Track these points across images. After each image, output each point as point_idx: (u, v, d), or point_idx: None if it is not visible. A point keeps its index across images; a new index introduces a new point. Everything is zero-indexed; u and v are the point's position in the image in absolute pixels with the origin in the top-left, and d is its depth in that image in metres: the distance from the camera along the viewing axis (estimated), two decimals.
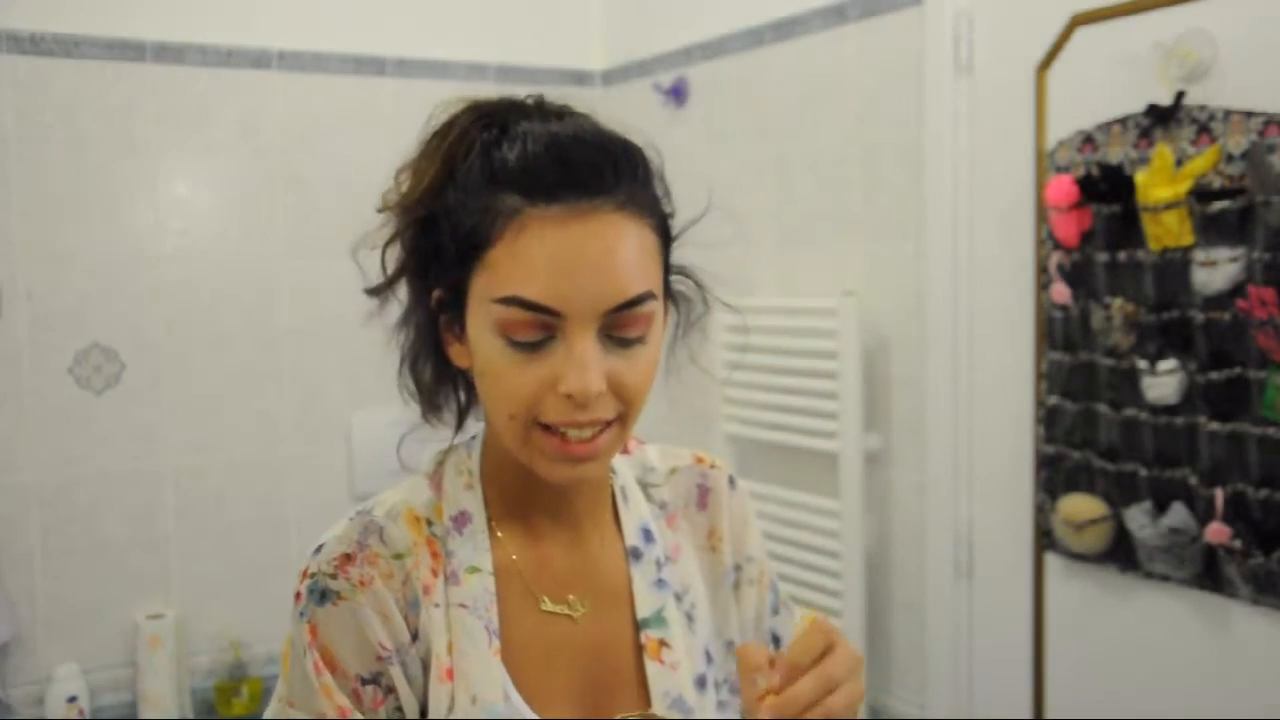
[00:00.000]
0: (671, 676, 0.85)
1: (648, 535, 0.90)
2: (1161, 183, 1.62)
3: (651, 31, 2.77)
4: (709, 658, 0.90)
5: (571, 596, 0.85)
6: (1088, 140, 1.77)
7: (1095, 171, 1.73)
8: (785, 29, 2.36)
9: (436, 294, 0.81)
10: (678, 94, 2.65)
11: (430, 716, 0.79)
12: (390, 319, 0.86)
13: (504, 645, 0.81)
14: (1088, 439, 1.80)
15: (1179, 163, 1.62)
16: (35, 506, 2.32)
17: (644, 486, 0.93)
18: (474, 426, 0.90)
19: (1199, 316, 1.61)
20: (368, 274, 0.85)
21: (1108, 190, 1.70)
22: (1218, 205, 1.57)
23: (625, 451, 0.94)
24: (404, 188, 0.82)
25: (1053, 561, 1.92)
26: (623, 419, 0.78)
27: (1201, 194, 1.59)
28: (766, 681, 0.74)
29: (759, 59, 2.44)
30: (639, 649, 0.86)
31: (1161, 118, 1.65)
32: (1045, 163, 1.85)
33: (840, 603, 2.15)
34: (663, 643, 0.86)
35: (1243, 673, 1.65)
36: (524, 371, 0.75)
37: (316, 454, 2.61)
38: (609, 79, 2.93)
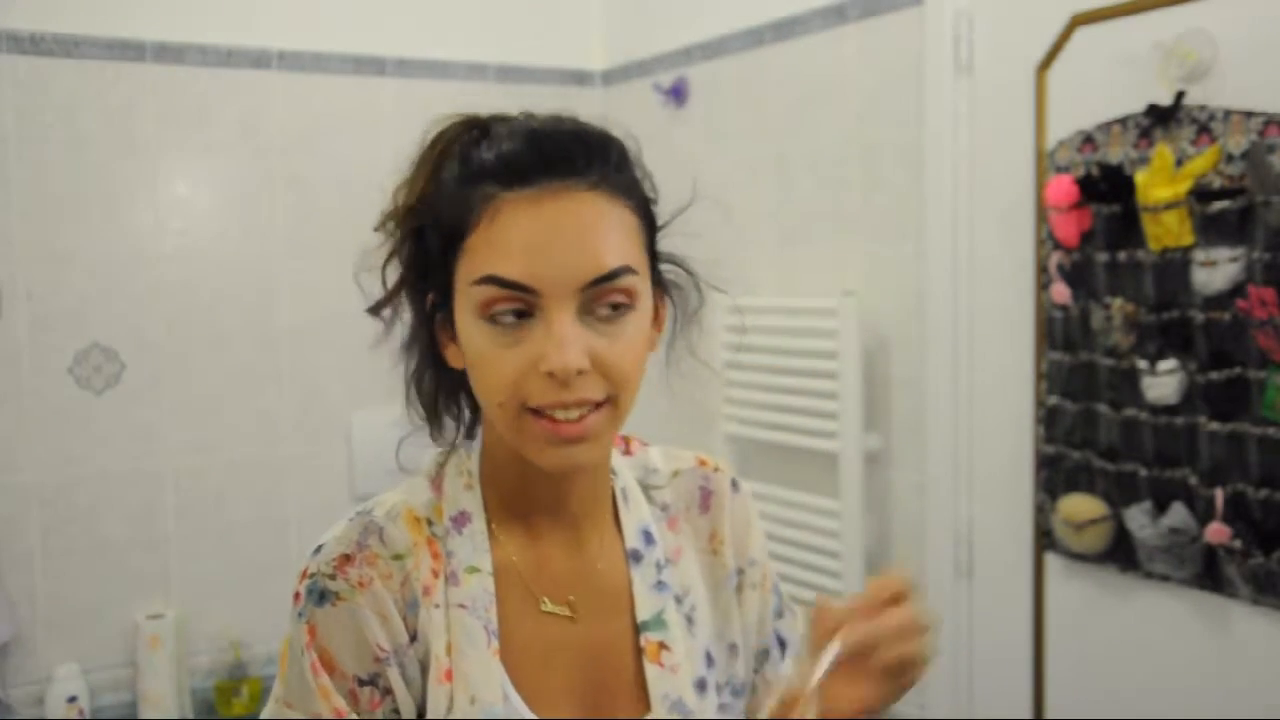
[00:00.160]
0: (671, 679, 0.85)
1: (648, 537, 0.89)
2: (1161, 183, 1.62)
3: (651, 31, 2.77)
4: (710, 660, 0.89)
5: (571, 597, 0.85)
6: (1088, 140, 1.77)
7: (1095, 171, 1.73)
8: (785, 29, 2.36)
9: (430, 297, 0.82)
10: (678, 94, 2.65)
11: (429, 717, 0.79)
12: (395, 339, 0.87)
13: (503, 646, 0.81)
14: (1088, 439, 1.80)
15: (1179, 163, 1.62)
16: (35, 506, 2.32)
17: (646, 488, 0.93)
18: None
19: (1199, 316, 1.61)
20: (368, 295, 0.85)
21: (1108, 190, 1.70)
22: (1218, 205, 1.57)
23: (628, 453, 0.94)
24: (398, 203, 0.83)
25: (1053, 561, 1.92)
26: (612, 401, 0.78)
27: (1201, 194, 1.59)
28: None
29: (759, 59, 2.44)
30: (638, 651, 0.86)
31: (1161, 118, 1.65)
32: (1045, 163, 1.85)
33: (840, 603, 2.14)
34: (662, 645, 0.86)
35: (1243, 673, 1.65)
36: (507, 355, 0.76)
37: (316, 454, 2.61)
38: (609, 79, 2.93)
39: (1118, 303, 1.71)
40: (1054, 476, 1.86)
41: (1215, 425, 1.61)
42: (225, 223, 2.52)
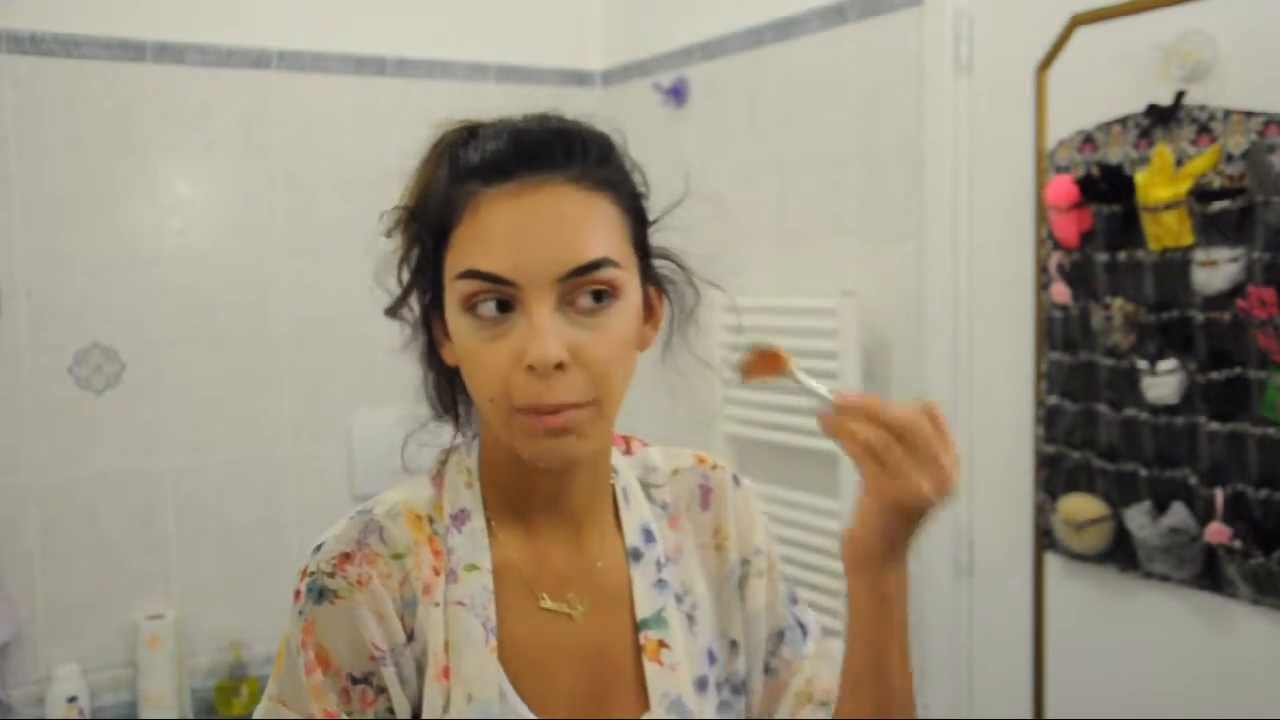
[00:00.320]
0: (670, 677, 0.85)
1: (648, 535, 0.89)
2: (1161, 183, 1.62)
3: (651, 31, 2.77)
4: (711, 658, 0.89)
5: (570, 595, 0.85)
6: (1088, 140, 1.77)
7: (1095, 171, 1.73)
8: (785, 29, 2.36)
9: (426, 295, 0.83)
10: (678, 94, 2.65)
11: (426, 715, 0.79)
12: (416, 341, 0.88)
13: (502, 643, 0.81)
14: (1088, 439, 1.80)
15: (1179, 163, 1.62)
16: (35, 506, 2.32)
17: (646, 487, 0.93)
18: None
19: (1199, 316, 1.61)
20: (390, 297, 0.87)
21: (1108, 190, 1.70)
22: (1218, 205, 1.57)
23: (628, 453, 0.94)
24: (401, 208, 0.85)
25: (1053, 561, 1.92)
26: (597, 403, 0.77)
27: (1201, 194, 1.59)
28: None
29: (759, 59, 2.44)
30: (638, 649, 0.86)
31: (1161, 118, 1.65)
32: (1045, 163, 1.85)
33: (840, 603, 2.15)
34: (662, 643, 0.86)
35: (1243, 673, 1.65)
36: (492, 349, 0.76)
37: (316, 454, 2.61)
38: (609, 79, 2.93)
39: (1118, 303, 1.71)
40: (1054, 476, 1.86)
41: (1215, 425, 1.61)
42: (225, 223, 2.51)
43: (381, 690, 0.78)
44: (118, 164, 2.39)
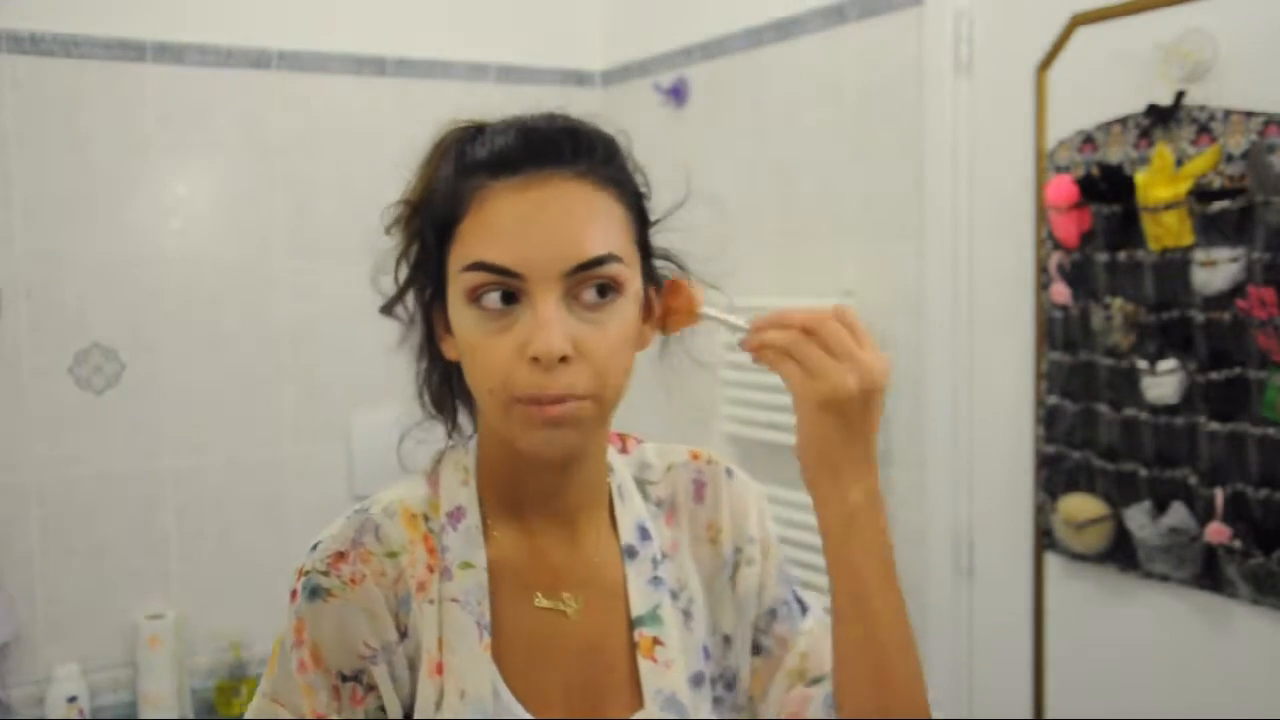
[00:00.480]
0: (665, 675, 0.85)
1: (644, 533, 0.89)
2: (1161, 183, 1.62)
3: (651, 31, 2.77)
4: (706, 654, 0.90)
5: (565, 593, 0.86)
6: (1088, 140, 1.77)
7: (1095, 171, 1.73)
8: (785, 29, 2.36)
9: (427, 289, 0.84)
10: (678, 94, 2.65)
11: (419, 711, 0.79)
12: (412, 339, 0.88)
13: (496, 641, 0.82)
14: (1088, 439, 1.80)
15: (1179, 163, 1.62)
16: (35, 506, 2.32)
17: (641, 484, 0.93)
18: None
19: (1199, 316, 1.61)
20: (385, 296, 0.87)
21: (1108, 190, 1.70)
22: (1218, 205, 1.57)
23: (624, 451, 0.94)
24: (403, 205, 0.85)
25: (1053, 561, 1.92)
26: (597, 398, 0.78)
27: (1201, 194, 1.59)
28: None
29: (759, 59, 2.44)
30: (632, 647, 0.86)
31: (1161, 118, 1.65)
32: (1045, 163, 1.85)
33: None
34: (656, 641, 0.86)
35: (1243, 673, 1.65)
36: (495, 342, 0.76)
37: (316, 454, 2.61)
38: (609, 79, 2.93)
39: (1118, 303, 1.71)
40: (1054, 476, 1.86)
41: (1215, 425, 1.61)
42: (225, 223, 2.51)
43: (371, 688, 0.79)
44: (118, 164, 2.39)
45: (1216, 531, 1.60)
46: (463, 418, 0.90)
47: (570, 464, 0.84)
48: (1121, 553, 1.77)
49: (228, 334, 2.51)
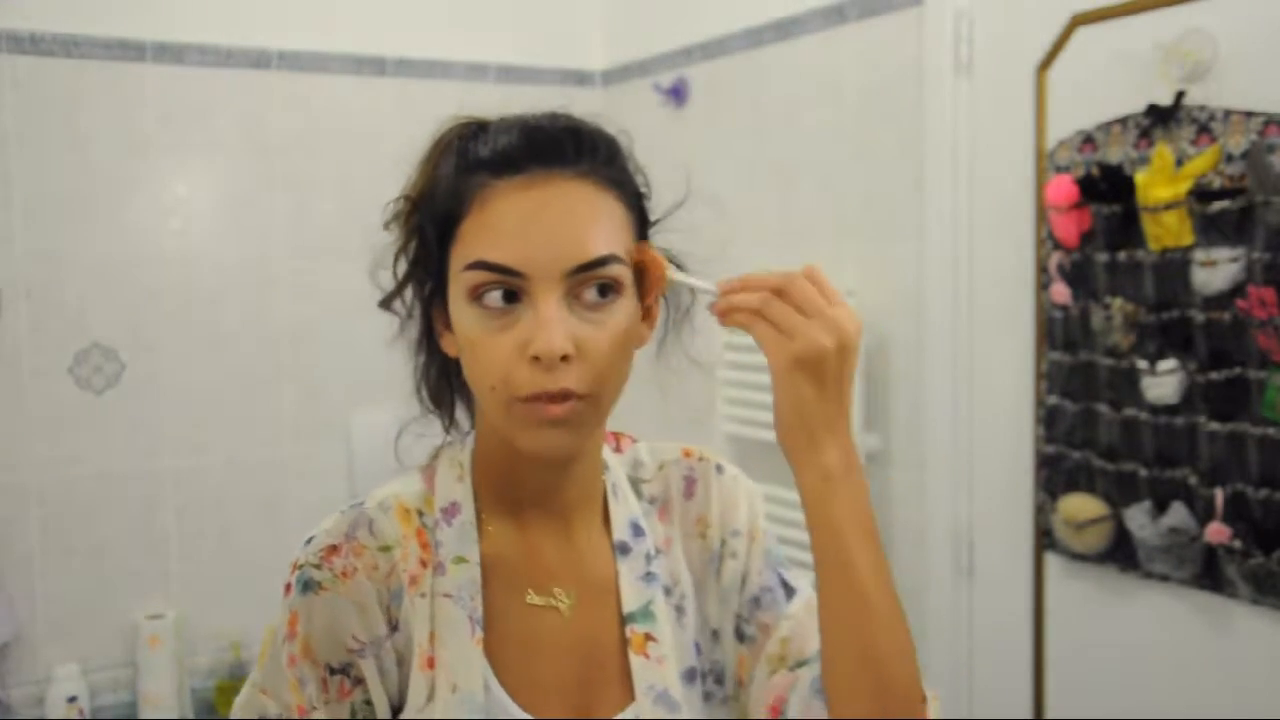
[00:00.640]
0: (657, 670, 0.85)
1: (637, 530, 0.90)
2: (1161, 183, 1.62)
3: (651, 31, 2.77)
4: (698, 649, 0.90)
5: (557, 589, 0.86)
6: (1088, 140, 1.77)
7: (1095, 171, 1.73)
8: (785, 29, 2.36)
9: (428, 285, 0.84)
10: (678, 94, 2.65)
11: (410, 704, 0.79)
12: (408, 335, 0.88)
13: (489, 636, 0.82)
14: (1088, 439, 1.80)
15: (1179, 163, 1.62)
16: (35, 506, 2.32)
17: (634, 483, 0.93)
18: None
19: (1199, 316, 1.61)
20: (383, 292, 0.87)
21: (1108, 190, 1.70)
22: (1218, 205, 1.57)
23: (618, 450, 0.95)
24: (403, 201, 0.85)
25: (1053, 561, 1.92)
26: (596, 397, 0.78)
27: (1201, 194, 1.59)
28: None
29: (759, 59, 2.44)
30: (624, 643, 0.86)
31: (1161, 118, 1.65)
32: (1045, 163, 1.85)
33: None
34: (648, 636, 0.86)
35: (1243, 673, 1.65)
36: (497, 340, 0.77)
37: (316, 454, 2.61)
38: (609, 79, 2.93)
39: (1118, 303, 1.71)
40: (1054, 476, 1.86)
41: (1215, 425, 1.61)
42: (225, 223, 2.52)
43: (359, 682, 0.79)
44: (118, 164, 2.39)
45: (1216, 531, 1.60)
46: (460, 413, 0.90)
47: (567, 462, 0.85)
48: (1121, 553, 1.77)
49: (228, 334, 2.51)
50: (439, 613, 0.81)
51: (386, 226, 0.85)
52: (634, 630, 0.86)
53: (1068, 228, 1.77)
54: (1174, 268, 1.63)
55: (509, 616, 0.84)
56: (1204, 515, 1.62)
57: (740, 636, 0.91)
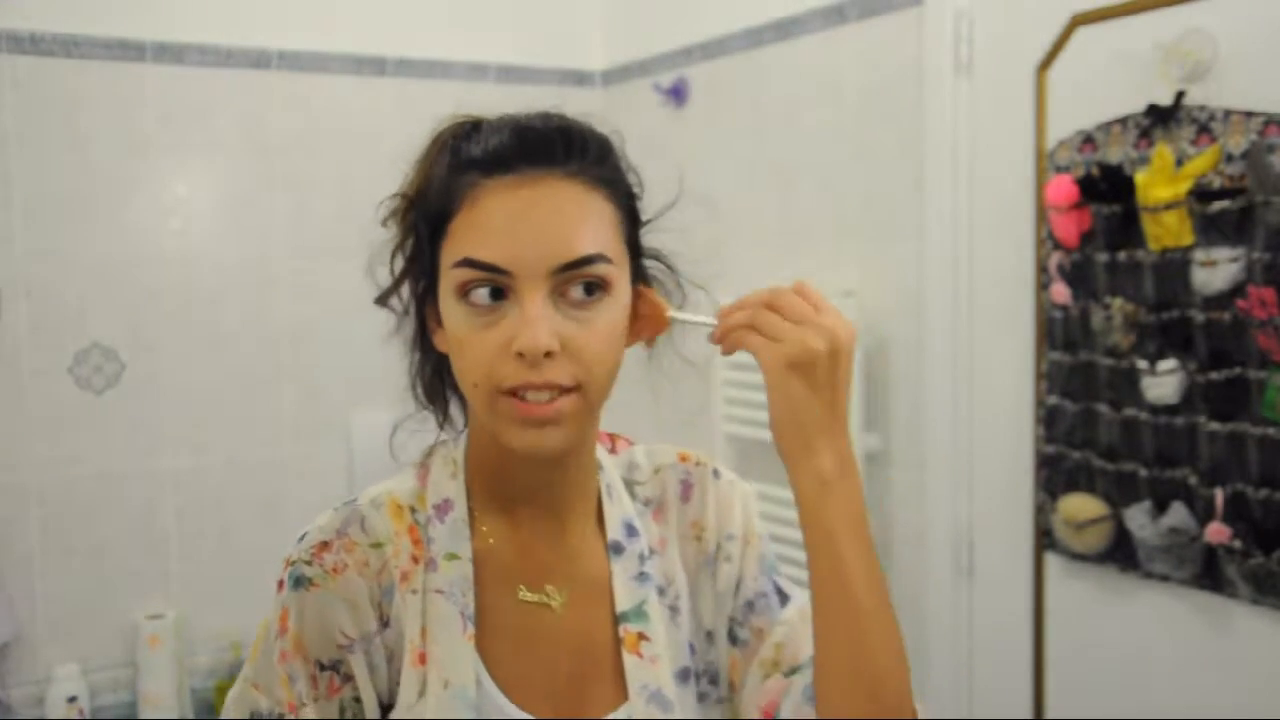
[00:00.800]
0: (650, 670, 0.85)
1: (631, 530, 0.90)
2: (1161, 183, 1.62)
3: (651, 31, 2.77)
4: (692, 650, 0.90)
5: (550, 586, 0.86)
6: (1088, 140, 1.77)
7: (1095, 171, 1.73)
8: (785, 29, 2.36)
9: (421, 283, 0.85)
10: (678, 94, 2.65)
11: (401, 700, 0.80)
12: (404, 332, 0.89)
13: (481, 633, 0.82)
14: (1088, 439, 1.80)
15: (1179, 163, 1.62)
16: (35, 506, 2.32)
17: (629, 484, 0.94)
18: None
19: (1199, 316, 1.61)
20: (381, 289, 0.88)
21: (1108, 190, 1.70)
22: (1218, 205, 1.57)
23: (613, 451, 0.95)
24: (399, 199, 0.86)
25: (1053, 561, 1.92)
26: (581, 388, 0.78)
27: (1201, 194, 1.59)
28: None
29: (759, 59, 2.44)
30: (618, 642, 0.86)
31: (1161, 118, 1.65)
32: (1045, 163, 1.85)
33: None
34: (642, 636, 0.86)
35: (1243, 673, 1.65)
36: (483, 336, 0.77)
37: (316, 454, 2.61)
38: (609, 79, 2.93)
39: (1118, 303, 1.71)
40: (1054, 476, 1.86)
41: (1215, 425, 1.61)
42: (225, 223, 2.52)
43: (348, 678, 0.80)
44: (118, 164, 2.39)
45: (1216, 531, 1.60)
46: (455, 411, 0.91)
47: (558, 459, 0.85)
48: (1121, 553, 1.77)
49: (228, 334, 2.51)
50: (431, 609, 0.81)
51: (384, 224, 0.86)
52: (627, 629, 0.86)
53: (1068, 228, 1.77)
54: (1174, 268, 1.63)
55: (501, 612, 0.84)
56: (1204, 515, 1.62)
57: (733, 639, 0.92)
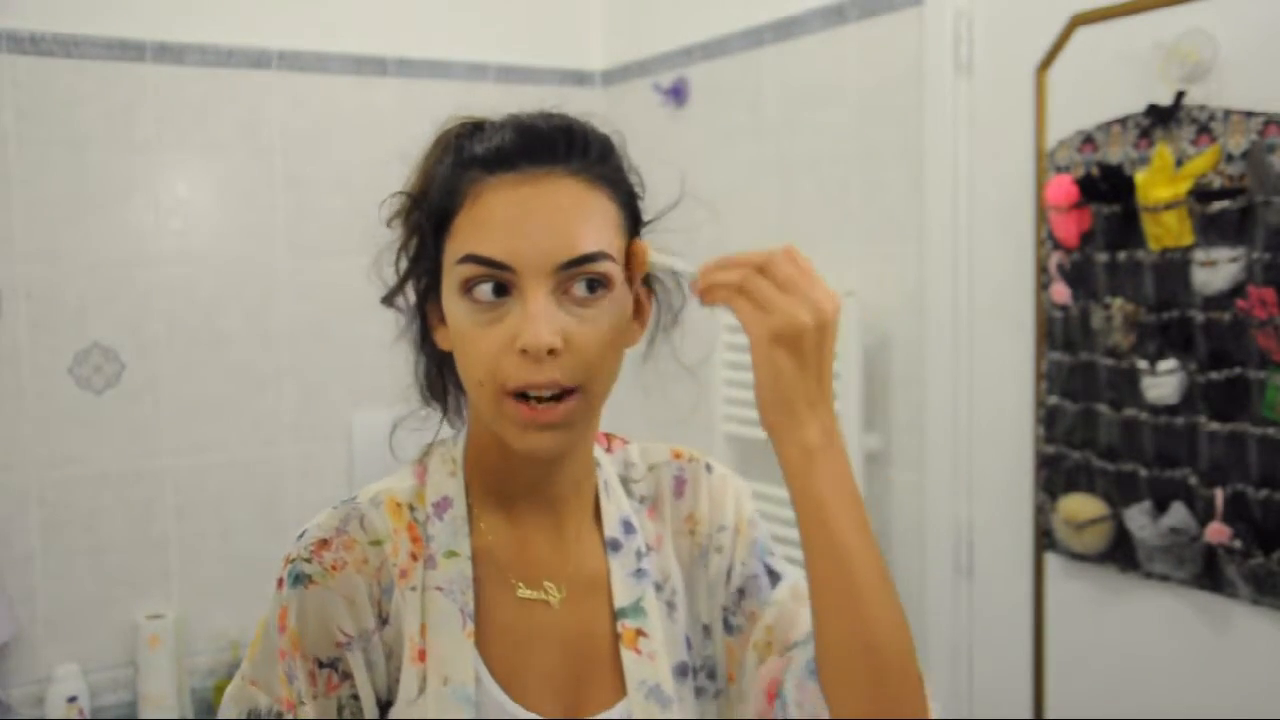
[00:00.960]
0: (648, 666, 0.86)
1: (628, 527, 0.91)
2: (1161, 183, 1.62)
3: (651, 31, 2.77)
4: (689, 644, 0.90)
5: (548, 583, 0.87)
6: (1088, 140, 1.77)
7: (1095, 171, 1.73)
8: (785, 29, 2.36)
9: (424, 280, 0.85)
10: (678, 94, 2.65)
11: (401, 697, 0.80)
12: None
13: (480, 629, 0.83)
14: (1088, 439, 1.80)
15: (1179, 163, 1.62)
16: (35, 506, 2.32)
17: (625, 482, 0.94)
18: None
19: (1199, 316, 1.61)
20: (386, 288, 0.88)
21: (1108, 190, 1.70)
22: (1218, 205, 1.57)
23: (609, 450, 0.96)
24: (400, 199, 0.86)
25: (1053, 561, 1.92)
26: (583, 389, 0.79)
27: (1201, 194, 1.59)
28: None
29: (759, 59, 2.44)
30: (616, 638, 0.87)
31: (1161, 118, 1.65)
32: (1045, 163, 1.85)
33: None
34: (639, 632, 0.87)
35: (1243, 673, 1.65)
36: (486, 333, 0.78)
37: (316, 454, 2.61)
38: (609, 79, 2.93)
39: (1118, 303, 1.71)
40: (1054, 476, 1.86)
41: (1215, 425, 1.61)
42: (225, 223, 2.52)
43: (347, 676, 0.80)
44: (118, 164, 2.39)
45: (1216, 531, 1.60)
46: (455, 409, 0.91)
47: (558, 458, 0.85)
48: (1121, 553, 1.77)
49: (228, 334, 2.51)
50: (430, 606, 0.81)
51: (388, 224, 0.86)
52: (625, 626, 0.87)
53: (1068, 228, 1.77)
54: (1174, 268, 1.63)
55: (500, 609, 0.84)
56: (1204, 515, 1.62)
57: (728, 628, 0.92)
